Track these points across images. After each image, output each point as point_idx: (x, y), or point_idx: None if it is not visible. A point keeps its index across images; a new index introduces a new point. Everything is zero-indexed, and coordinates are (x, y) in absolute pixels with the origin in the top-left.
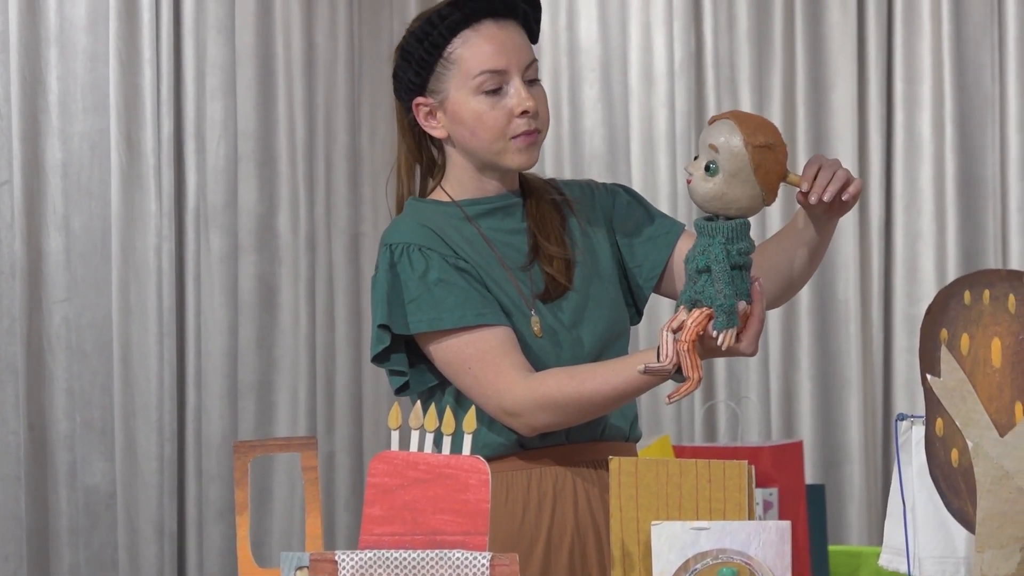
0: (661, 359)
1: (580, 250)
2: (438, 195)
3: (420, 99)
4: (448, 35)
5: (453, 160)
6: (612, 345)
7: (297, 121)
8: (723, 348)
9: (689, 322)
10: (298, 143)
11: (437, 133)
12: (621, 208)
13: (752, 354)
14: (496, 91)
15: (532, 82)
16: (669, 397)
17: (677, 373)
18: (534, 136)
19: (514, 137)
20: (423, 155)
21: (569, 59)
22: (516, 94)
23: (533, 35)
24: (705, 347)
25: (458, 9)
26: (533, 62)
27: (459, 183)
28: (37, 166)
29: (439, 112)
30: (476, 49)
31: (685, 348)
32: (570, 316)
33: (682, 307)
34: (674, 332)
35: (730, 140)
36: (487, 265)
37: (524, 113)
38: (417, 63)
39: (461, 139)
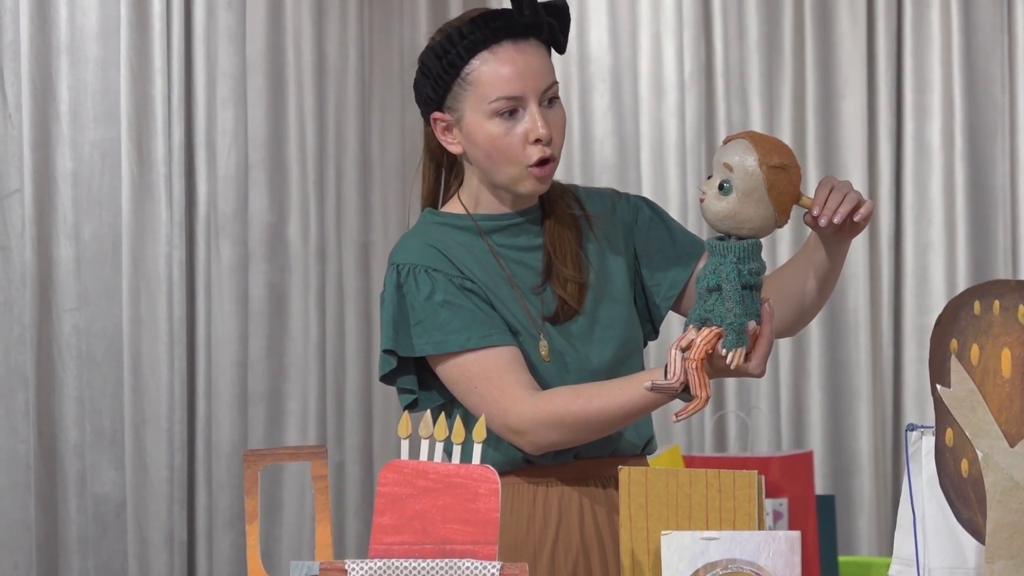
0: (668, 377)
1: (595, 271)
2: (454, 206)
3: (438, 114)
4: (466, 55)
5: (470, 173)
6: (621, 366)
7: (308, 130)
8: (732, 367)
9: (699, 340)
10: (309, 152)
11: (454, 149)
12: (643, 225)
13: (760, 375)
14: (512, 114)
15: (552, 101)
16: (676, 415)
17: (684, 392)
18: (550, 168)
19: (530, 165)
20: (444, 157)
21: (579, 69)
22: (531, 120)
23: (559, 46)
24: (713, 366)
25: (479, 29)
26: (553, 85)
27: (476, 197)
28: (48, 175)
29: (455, 128)
30: (493, 73)
31: (694, 366)
32: (578, 339)
33: (691, 326)
34: (682, 351)
35: (745, 159)
36: (494, 285)
37: (538, 140)
38: (435, 79)
39: (476, 159)
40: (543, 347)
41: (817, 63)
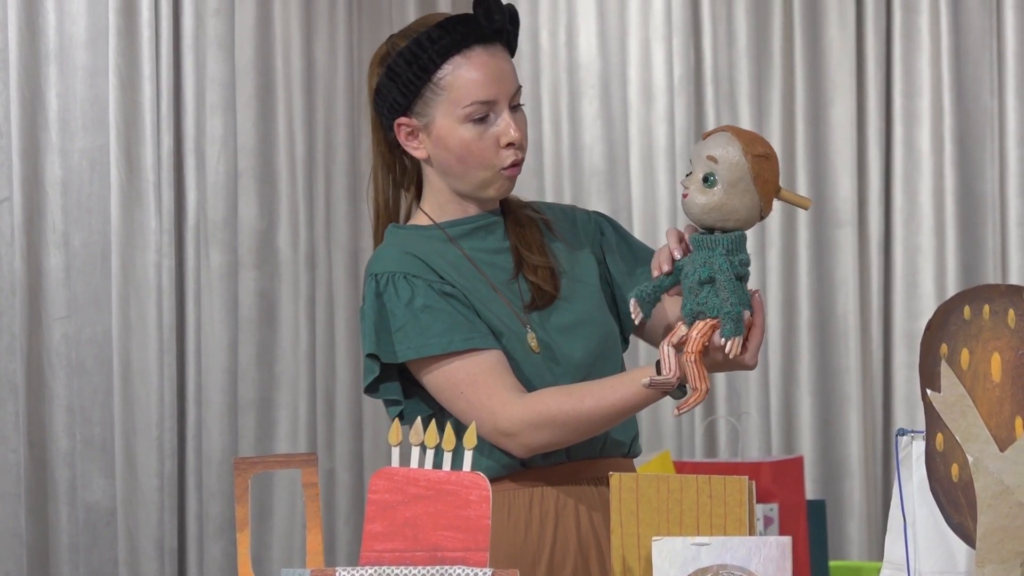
0: (664, 373)
1: (563, 266)
2: (419, 218)
3: (403, 119)
4: (438, 60)
5: (431, 181)
6: (603, 362)
7: (297, 137)
8: (730, 356)
9: (694, 334)
10: (298, 159)
11: (418, 154)
12: (611, 242)
13: (753, 366)
14: (483, 119)
15: (516, 109)
16: (678, 408)
17: (678, 388)
18: (518, 169)
19: (502, 168)
20: (396, 165)
21: (568, 75)
22: (504, 125)
23: (513, 50)
24: (709, 359)
25: (448, 33)
26: (518, 90)
27: (438, 205)
28: (37, 183)
29: (422, 134)
30: (467, 77)
31: (692, 359)
32: (562, 325)
33: (681, 322)
34: (675, 346)
35: (729, 150)
36: (474, 287)
37: (509, 145)
38: (404, 84)
39: (446, 164)
40: (531, 339)
41: (806, 68)
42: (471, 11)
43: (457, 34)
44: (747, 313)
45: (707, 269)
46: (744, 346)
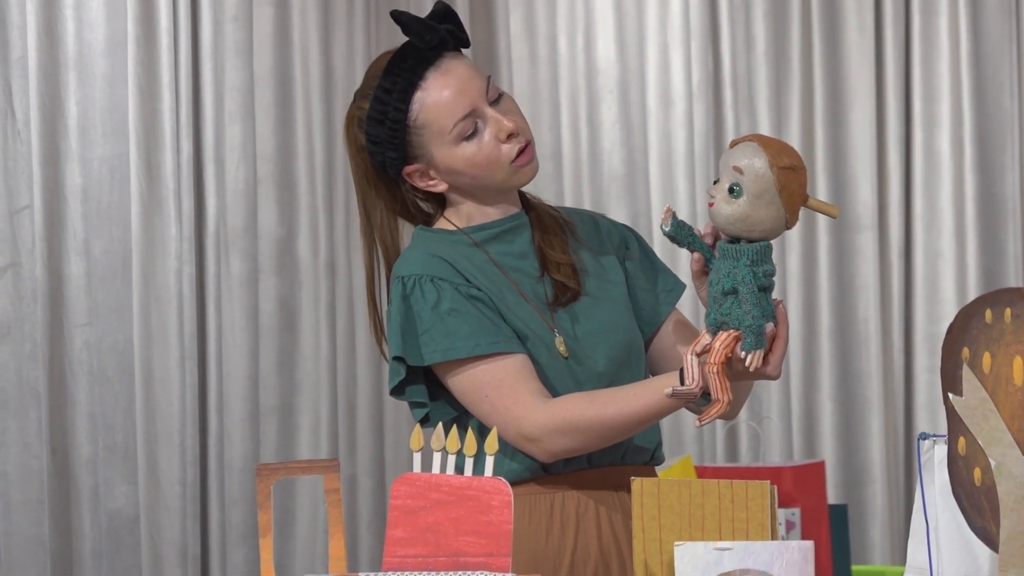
0: (687, 382)
1: (588, 263)
2: (443, 224)
3: (408, 168)
4: (403, 106)
5: (453, 200)
6: (625, 370)
7: (316, 144)
8: (751, 369)
9: (717, 344)
10: (317, 166)
11: (439, 189)
12: (635, 256)
13: (776, 377)
14: (474, 131)
15: (497, 99)
16: (700, 419)
17: (701, 397)
18: (529, 151)
19: (512, 161)
20: (412, 212)
21: (587, 80)
22: (493, 123)
23: (465, 43)
24: (732, 369)
25: (398, 75)
26: (488, 80)
27: (463, 215)
28: (57, 191)
29: (431, 171)
30: (436, 105)
31: (715, 370)
32: (588, 331)
33: (705, 331)
34: (698, 355)
35: (755, 162)
36: (499, 291)
37: (509, 136)
38: (389, 142)
39: (464, 185)
40: (559, 343)
41: (825, 73)
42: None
43: (405, 72)
44: (770, 325)
45: (731, 280)
46: (766, 358)
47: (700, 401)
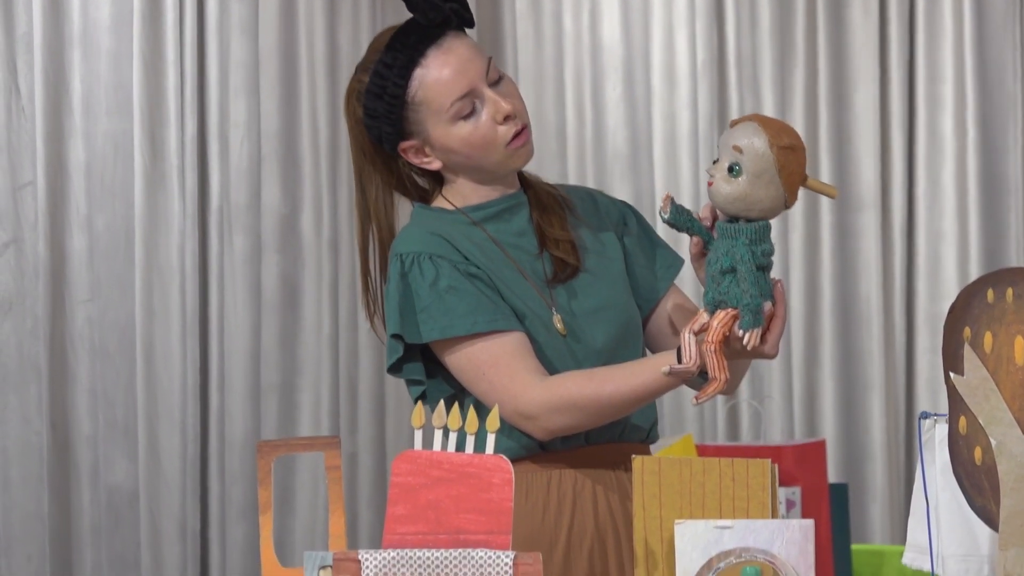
0: (684, 361)
1: (586, 240)
2: (440, 203)
3: (404, 143)
4: (402, 81)
5: (450, 180)
6: (623, 348)
7: (320, 122)
8: (748, 348)
9: (715, 323)
10: (321, 144)
11: (434, 166)
12: (633, 233)
13: (774, 356)
14: (472, 111)
15: (497, 81)
16: (696, 398)
17: (698, 375)
18: (525, 134)
19: (508, 143)
20: (408, 187)
21: (591, 59)
22: (491, 104)
23: (469, 23)
24: (730, 348)
25: (399, 51)
26: (489, 62)
27: (461, 195)
28: (61, 167)
29: (426, 148)
30: (436, 83)
31: (712, 349)
32: (587, 309)
33: (702, 309)
34: (696, 334)
35: (755, 141)
36: (498, 269)
37: (506, 118)
38: (386, 116)
39: (458, 164)
40: (558, 321)
41: (829, 53)
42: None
43: (407, 48)
44: (768, 304)
45: (729, 259)
46: (764, 337)
47: (698, 379)
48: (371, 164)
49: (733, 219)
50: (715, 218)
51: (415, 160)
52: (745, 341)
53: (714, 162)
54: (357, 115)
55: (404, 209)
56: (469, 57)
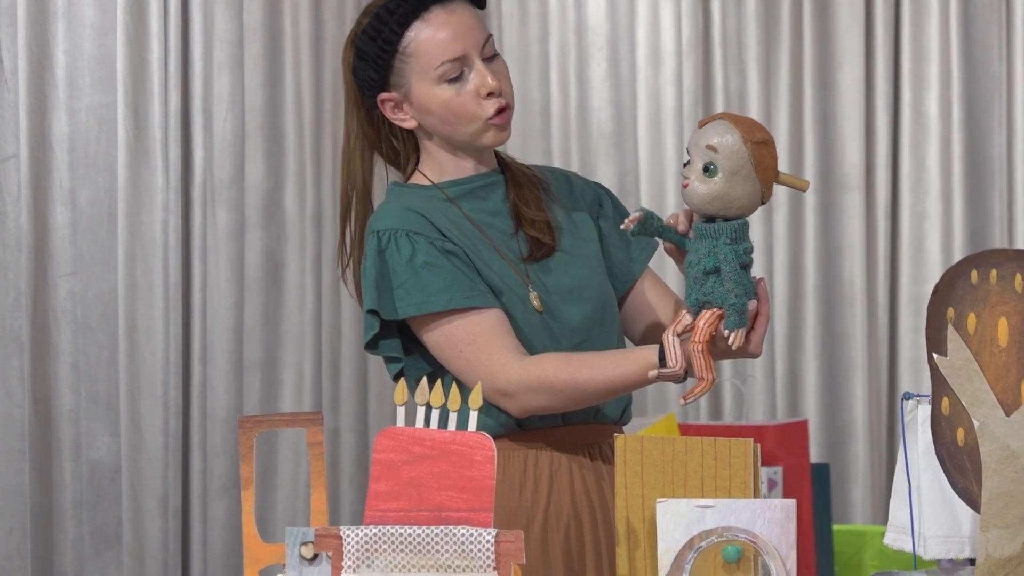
0: (670, 364)
1: (562, 220)
2: (417, 179)
3: (384, 94)
4: (400, 29)
5: (426, 147)
6: (599, 327)
7: (305, 96)
8: (734, 348)
9: (701, 324)
10: (305, 119)
11: (407, 124)
12: (608, 215)
13: (758, 355)
14: (458, 76)
15: (492, 58)
16: (684, 398)
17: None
18: (507, 114)
19: (489, 119)
20: (383, 144)
21: (577, 37)
22: (479, 76)
23: (481, 2)
24: (714, 347)
25: (405, 1)
26: (488, 38)
27: (437, 166)
28: (44, 140)
29: (405, 104)
30: (431, 40)
31: (699, 349)
32: (562, 288)
33: (685, 311)
34: (679, 335)
35: (728, 139)
36: (475, 247)
37: (490, 94)
38: (374, 61)
39: (433, 127)
40: (534, 297)
41: (815, 32)
42: None
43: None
44: (753, 302)
45: (712, 259)
46: (748, 336)
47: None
48: (355, 113)
49: (710, 219)
50: (690, 221)
51: (391, 115)
52: (731, 341)
53: (685, 164)
54: (349, 60)
55: (379, 176)
56: (470, 24)
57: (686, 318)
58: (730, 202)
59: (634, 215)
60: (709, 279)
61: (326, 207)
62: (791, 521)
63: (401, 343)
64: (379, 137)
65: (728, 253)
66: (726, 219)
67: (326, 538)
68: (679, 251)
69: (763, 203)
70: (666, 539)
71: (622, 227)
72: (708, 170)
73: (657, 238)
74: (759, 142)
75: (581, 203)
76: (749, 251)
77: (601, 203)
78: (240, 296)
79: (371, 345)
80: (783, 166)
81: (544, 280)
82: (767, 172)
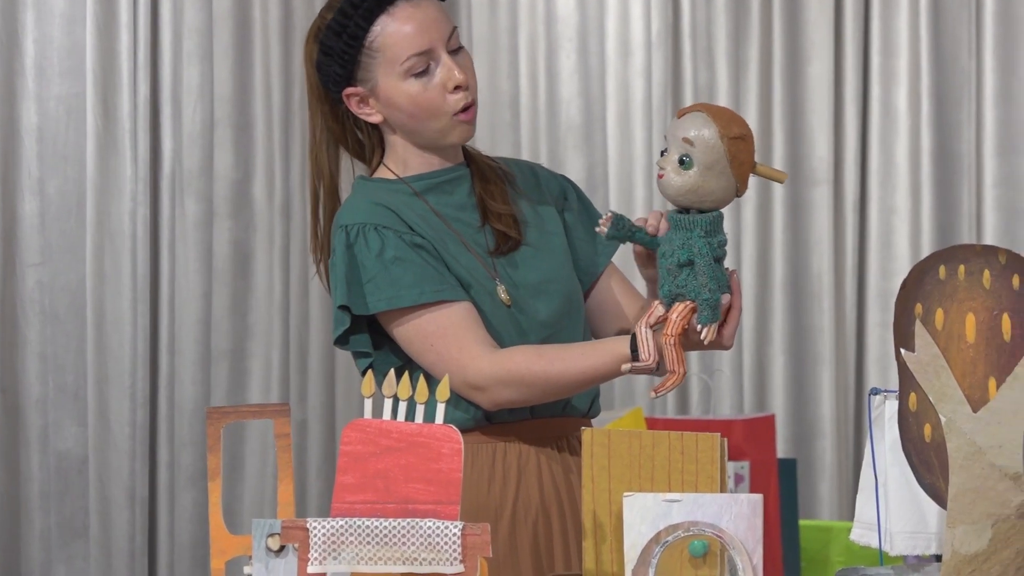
0: (643, 357)
1: (527, 213)
2: (383, 173)
3: (350, 89)
4: (365, 24)
5: (391, 142)
6: (566, 320)
7: (274, 87)
8: (706, 342)
9: (674, 317)
10: (274, 109)
11: (373, 119)
12: (573, 207)
13: (729, 347)
14: (424, 71)
15: (457, 50)
16: (655, 391)
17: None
18: (473, 110)
19: (455, 114)
20: (348, 138)
21: (546, 28)
22: (445, 70)
23: None
24: (686, 339)
25: None
26: (454, 30)
27: (402, 161)
28: (12, 130)
29: (371, 99)
30: (397, 34)
31: (672, 342)
32: (529, 282)
33: (657, 302)
34: (652, 328)
35: (704, 133)
36: (442, 240)
37: (457, 88)
38: (339, 56)
39: (399, 122)
40: (502, 291)
41: (784, 26)
42: None
43: None
44: (726, 296)
45: (686, 252)
46: (721, 330)
47: (657, 372)
48: (319, 108)
49: (684, 209)
50: (658, 223)
51: (357, 109)
52: (703, 336)
53: (662, 152)
54: (313, 55)
55: (347, 167)
56: (435, 18)
57: (658, 309)
58: (704, 196)
59: (604, 218)
60: (683, 271)
61: (295, 198)
62: (758, 516)
63: (370, 338)
64: (344, 131)
65: (703, 246)
66: (700, 211)
67: (293, 530)
68: (648, 256)
69: (738, 196)
70: (633, 533)
71: (596, 230)
72: (683, 163)
73: (629, 241)
74: (736, 137)
75: (547, 196)
76: (723, 244)
77: (566, 196)
78: (208, 287)
79: (341, 340)
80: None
81: (512, 274)
82: (742, 167)
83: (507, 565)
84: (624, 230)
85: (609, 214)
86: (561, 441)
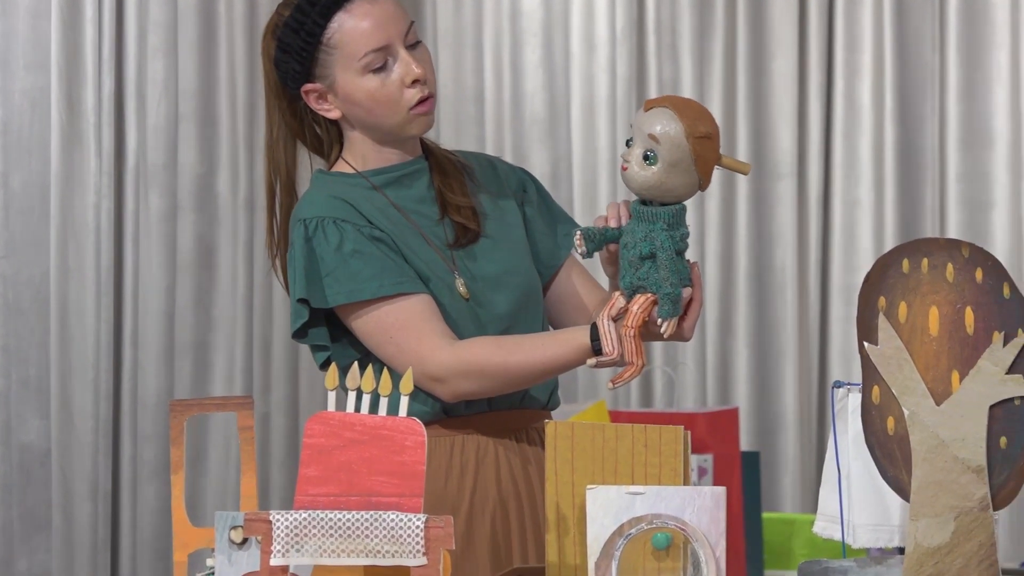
0: (606, 351)
1: (486, 206)
2: (341, 167)
3: (308, 85)
4: (322, 21)
5: (350, 137)
6: (524, 313)
7: (238, 81)
8: (665, 336)
9: (635, 308)
10: (239, 104)
11: (332, 115)
12: (532, 200)
13: (689, 339)
14: (383, 66)
15: (414, 45)
16: (612, 382)
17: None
18: (431, 103)
19: (411, 108)
20: (306, 133)
21: (511, 23)
22: (403, 65)
23: None
24: (646, 331)
25: None
26: (411, 25)
27: (361, 156)
28: None
29: (329, 95)
30: (355, 30)
31: (631, 334)
32: (488, 275)
33: (618, 293)
34: (614, 319)
35: (670, 131)
36: (401, 234)
37: (415, 82)
38: (297, 53)
39: (358, 117)
40: (461, 284)
41: (749, 21)
42: None
43: None
44: (688, 290)
45: (648, 244)
46: (681, 323)
47: (619, 362)
48: (277, 104)
49: (647, 201)
50: (620, 212)
51: (315, 105)
52: (663, 330)
53: (627, 142)
54: (270, 52)
55: (304, 162)
56: (392, 13)
57: (620, 301)
58: (667, 191)
59: (577, 238)
60: (644, 264)
61: (259, 192)
62: (721, 509)
63: (328, 331)
64: (302, 127)
65: (665, 240)
66: (662, 204)
67: (255, 522)
68: (611, 255)
69: (701, 190)
70: (596, 526)
71: (575, 254)
72: (648, 158)
73: (605, 244)
74: (702, 136)
75: (506, 188)
76: (685, 236)
77: (525, 188)
78: (172, 280)
79: (299, 333)
80: None
81: (470, 267)
82: (707, 164)
83: (464, 558)
84: (597, 239)
85: (578, 232)
86: (520, 433)
